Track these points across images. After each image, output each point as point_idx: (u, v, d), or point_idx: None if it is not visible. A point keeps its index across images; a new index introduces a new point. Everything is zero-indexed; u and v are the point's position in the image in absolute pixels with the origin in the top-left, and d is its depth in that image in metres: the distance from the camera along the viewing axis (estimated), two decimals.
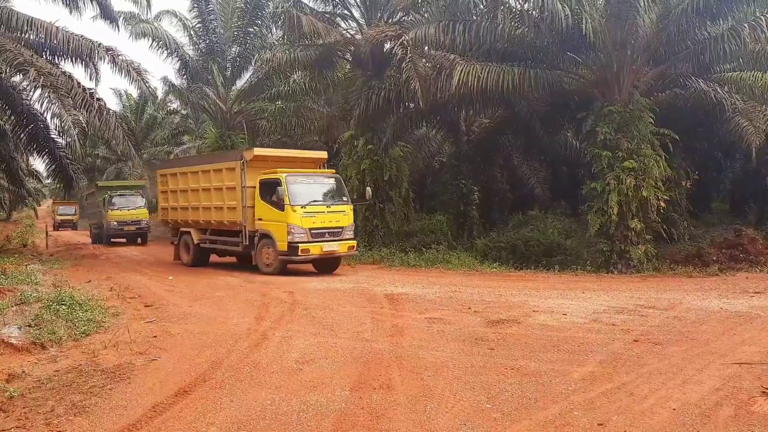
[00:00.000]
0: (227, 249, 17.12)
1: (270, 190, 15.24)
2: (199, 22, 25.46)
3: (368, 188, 18.14)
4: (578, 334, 7.99)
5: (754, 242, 16.84)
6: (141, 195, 30.09)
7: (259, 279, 14.49)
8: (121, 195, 29.60)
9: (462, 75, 15.75)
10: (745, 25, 14.70)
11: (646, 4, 14.56)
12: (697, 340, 7.56)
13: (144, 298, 11.94)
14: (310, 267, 16.06)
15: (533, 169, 25.96)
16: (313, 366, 6.72)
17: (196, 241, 17.78)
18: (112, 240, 29.28)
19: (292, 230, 14.65)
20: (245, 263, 16.91)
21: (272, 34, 25.80)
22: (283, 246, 14.79)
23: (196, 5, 25.06)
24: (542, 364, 6.63)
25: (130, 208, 29.04)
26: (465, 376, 6.25)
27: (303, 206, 14.84)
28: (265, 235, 15.32)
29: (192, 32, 25.88)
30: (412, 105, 18.92)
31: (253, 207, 15.60)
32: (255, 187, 15.59)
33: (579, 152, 19.04)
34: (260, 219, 15.47)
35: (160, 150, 45.59)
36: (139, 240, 29.46)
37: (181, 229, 18.54)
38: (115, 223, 28.43)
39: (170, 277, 15.22)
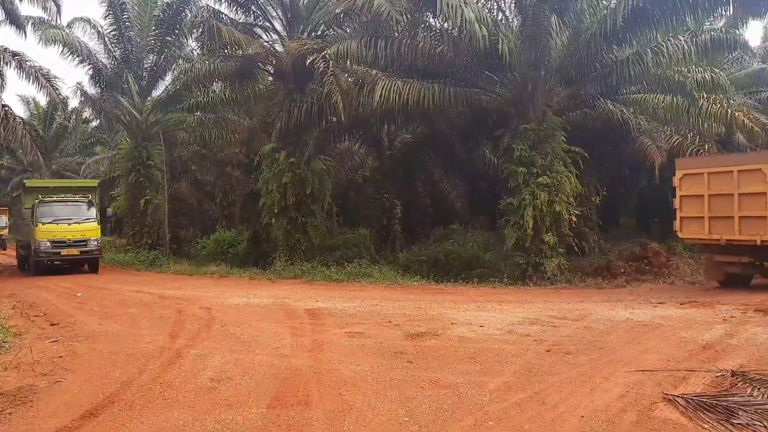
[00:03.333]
0: None
1: None
2: (114, 30, 24.60)
3: None
4: (494, 345, 8.18)
5: (658, 255, 17.89)
6: (90, 201, 21.11)
7: (175, 295, 14.03)
8: (59, 201, 20.61)
9: (384, 91, 15.94)
10: (648, 50, 15.66)
11: (558, 27, 15.27)
12: (604, 349, 7.90)
13: (50, 316, 11.32)
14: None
15: (453, 184, 26.52)
16: (229, 384, 6.56)
17: None
18: (43, 268, 19.91)
19: None
20: None
21: (190, 44, 25.30)
22: None
23: (111, 12, 24.23)
24: (459, 376, 6.74)
25: (72, 220, 20.11)
26: (384, 390, 6.27)
27: None
28: None
29: (106, 40, 24.96)
30: (334, 119, 18.93)
31: None
32: None
33: (497, 168, 19.63)
34: None
35: (71, 161, 43.51)
36: (86, 267, 20.91)
37: None
38: (48, 243, 19.54)
39: (79, 294, 14.51)
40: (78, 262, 20.55)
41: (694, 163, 14.46)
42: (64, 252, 19.90)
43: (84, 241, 20.09)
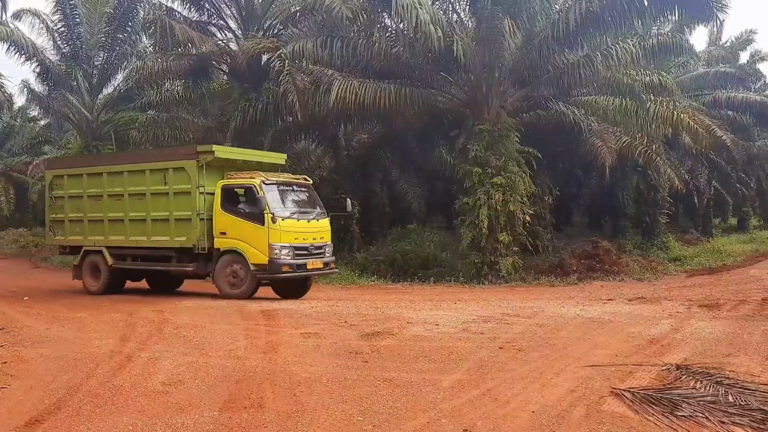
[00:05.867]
0: None
1: None
2: (63, 26, 23.93)
3: None
4: (449, 343, 8.26)
5: (608, 253, 18.38)
6: (311, 187, 14.34)
7: (127, 297, 13.72)
8: (285, 184, 13.43)
9: (340, 91, 15.94)
10: (598, 53, 16.08)
11: (512, 30, 15.51)
12: (555, 346, 8.06)
13: None
14: None
15: (410, 184, 26.66)
16: (180, 387, 6.45)
17: None
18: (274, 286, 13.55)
19: None
20: None
21: (143, 42, 24.78)
22: None
23: (59, 8, 23.56)
24: (414, 375, 6.78)
25: (311, 216, 13.43)
26: (338, 390, 6.26)
27: None
28: None
29: (55, 35, 24.26)
30: (290, 118, 18.90)
31: None
32: None
33: (453, 168, 19.88)
34: None
35: (18, 160, 42.01)
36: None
37: None
38: (289, 250, 12.62)
39: (25, 298, 14.06)
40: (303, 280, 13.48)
41: None
42: (310, 264, 13.09)
43: (323, 248, 13.49)
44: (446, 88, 18.04)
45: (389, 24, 17.47)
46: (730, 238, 30.17)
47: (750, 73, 31.26)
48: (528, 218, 16.78)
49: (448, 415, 5.53)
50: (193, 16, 20.64)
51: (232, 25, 20.85)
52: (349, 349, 8.01)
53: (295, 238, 12.75)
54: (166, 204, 13.25)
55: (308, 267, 13.00)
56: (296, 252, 12.71)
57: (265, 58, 18.45)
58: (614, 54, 15.86)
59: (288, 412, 5.62)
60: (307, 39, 16.90)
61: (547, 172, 20.63)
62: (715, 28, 27.45)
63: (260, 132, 19.81)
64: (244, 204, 12.97)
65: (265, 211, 12.36)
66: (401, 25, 16.58)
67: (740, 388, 6.05)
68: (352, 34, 17.35)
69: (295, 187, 13.70)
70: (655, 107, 17.90)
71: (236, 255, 12.74)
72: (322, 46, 16.53)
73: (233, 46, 20.87)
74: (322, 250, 13.38)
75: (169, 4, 20.10)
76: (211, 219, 12.86)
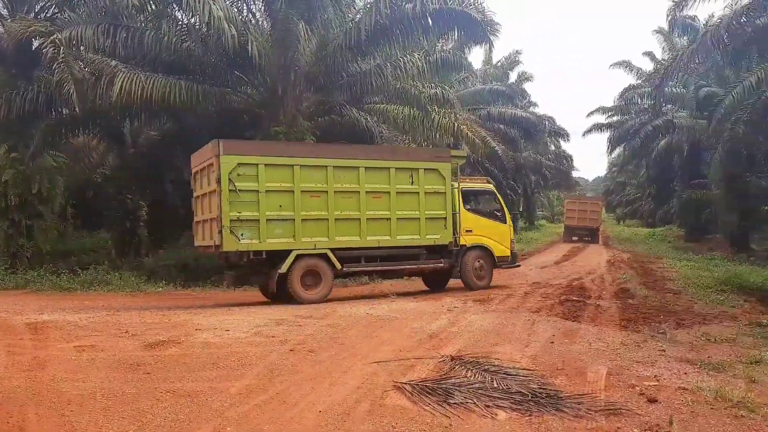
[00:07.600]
0: None
1: None
2: None
3: None
4: (239, 348, 8.10)
5: None
6: None
7: None
8: None
9: (124, 83, 14.91)
10: (389, 64, 16.93)
11: (307, 34, 15.71)
12: (344, 345, 8.30)
13: None
14: None
15: None
16: None
17: None
18: None
19: None
20: None
21: None
22: None
23: None
24: (200, 383, 6.53)
25: None
26: (114, 407, 5.81)
27: None
28: None
29: None
30: (66, 110, 17.18)
31: None
32: None
33: None
34: None
35: None
36: None
37: None
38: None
39: None
40: None
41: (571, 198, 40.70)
42: None
43: None
44: (242, 87, 17.74)
45: (180, 17, 16.70)
46: None
47: (517, 91, 35.22)
48: None
49: (234, 422, 5.41)
50: None
51: None
52: (129, 361, 7.48)
53: None
54: (415, 203, 13.50)
55: None
56: None
57: (36, 42, 16.50)
58: (403, 66, 16.83)
59: None
60: (86, 25, 15.49)
61: None
62: (488, 49, 30.31)
63: (30, 124, 17.75)
64: (476, 204, 14.93)
65: (505, 212, 15.24)
66: (193, 20, 15.95)
67: (504, 374, 6.73)
68: (139, 24, 16.31)
69: None
70: (439, 118, 19.32)
71: (481, 250, 14.49)
72: (104, 34, 15.31)
73: None
74: None
75: None
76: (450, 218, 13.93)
